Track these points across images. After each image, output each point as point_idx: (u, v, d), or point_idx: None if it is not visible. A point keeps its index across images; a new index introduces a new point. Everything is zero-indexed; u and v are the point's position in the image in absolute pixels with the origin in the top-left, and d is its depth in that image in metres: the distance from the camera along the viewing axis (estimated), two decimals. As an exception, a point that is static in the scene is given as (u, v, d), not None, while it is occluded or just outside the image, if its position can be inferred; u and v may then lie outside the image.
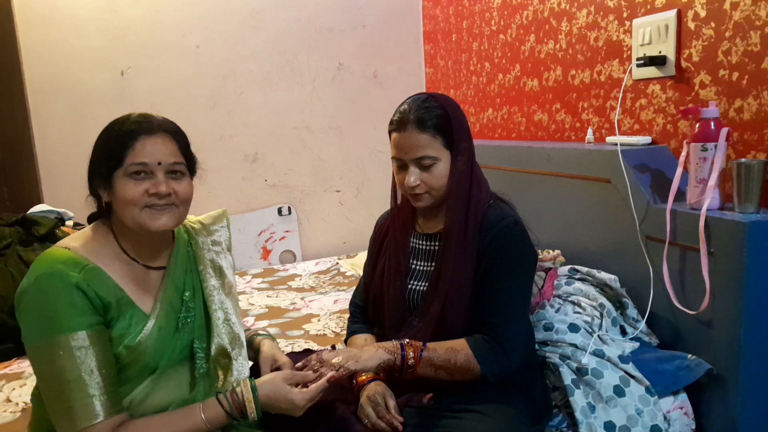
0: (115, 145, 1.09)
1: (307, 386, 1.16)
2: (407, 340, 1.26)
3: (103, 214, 1.17)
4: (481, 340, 1.28)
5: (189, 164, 1.18)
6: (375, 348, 1.25)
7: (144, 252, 1.17)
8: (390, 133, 1.35)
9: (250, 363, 1.28)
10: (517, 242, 1.32)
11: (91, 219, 1.19)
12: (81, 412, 1.00)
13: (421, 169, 1.30)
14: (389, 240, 1.47)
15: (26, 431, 1.23)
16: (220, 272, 1.27)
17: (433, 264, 1.38)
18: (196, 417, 1.08)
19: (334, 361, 1.20)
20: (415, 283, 1.39)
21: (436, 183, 1.31)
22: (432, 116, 1.30)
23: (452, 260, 1.32)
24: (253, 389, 1.12)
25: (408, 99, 1.36)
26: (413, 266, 1.41)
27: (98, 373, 1.02)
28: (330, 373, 1.18)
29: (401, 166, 1.34)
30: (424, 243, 1.42)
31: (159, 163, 1.10)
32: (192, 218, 1.33)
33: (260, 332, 1.40)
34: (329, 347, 1.68)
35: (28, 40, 2.74)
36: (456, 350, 1.26)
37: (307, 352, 1.58)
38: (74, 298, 1.02)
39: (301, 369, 1.22)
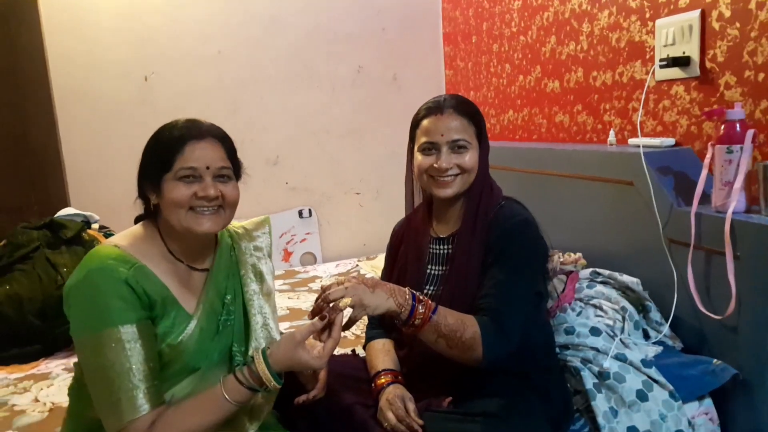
0: (164, 150, 1.12)
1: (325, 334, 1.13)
2: (421, 296, 1.21)
3: (150, 216, 1.20)
4: (489, 322, 1.21)
5: (235, 168, 1.20)
6: (386, 294, 1.18)
7: (189, 253, 1.20)
8: (419, 122, 1.37)
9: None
10: (525, 238, 1.31)
11: (137, 220, 1.22)
12: (128, 404, 1.02)
13: (454, 152, 1.33)
14: (406, 247, 1.48)
15: (60, 427, 1.25)
16: (260, 277, 1.30)
17: (447, 268, 1.37)
18: (220, 397, 1.09)
19: (341, 303, 1.13)
20: (431, 288, 1.39)
21: (468, 166, 1.33)
22: (468, 104, 1.37)
23: (465, 262, 1.32)
24: (266, 359, 1.11)
25: (435, 96, 1.39)
26: (429, 271, 1.41)
27: (146, 365, 1.04)
28: (338, 317, 1.12)
29: (430, 150, 1.34)
30: (439, 247, 1.42)
31: (207, 168, 1.13)
32: (236, 223, 1.35)
33: None
34: (350, 350, 1.69)
35: (54, 49, 2.80)
36: (466, 324, 1.19)
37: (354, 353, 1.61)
38: (124, 292, 1.05)
39: (313, 316, 1.17)
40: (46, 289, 2.08)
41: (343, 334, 1.15)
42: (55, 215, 2.39)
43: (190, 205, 1.11)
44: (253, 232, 1.35)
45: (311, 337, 1.13)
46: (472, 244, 1.32)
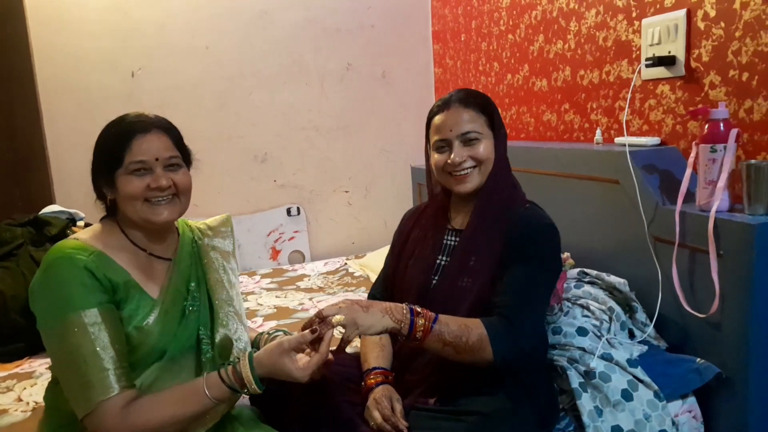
0: (113, 146, 1.15)
1: (314, 348, 1.14)
2: (419, 309, 1.20)
3: (111, 214, 1.22)
4: (496, 321, 1.22)
5: (184, 156, 1.24)
6: (381, 312, 1.16)
7: (150, 242, 1.22)
8: (430, 120, 1.39)
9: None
10: (551, 243, 1.33)
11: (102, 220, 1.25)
12: (97, 385, 1.03)
13: (467, 145, 1.33)
14: (417, 233, 1.47)
15: (37, 428, 1.25)
16: (225, 270, 1.33)
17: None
18: (200, 392, 1.10)
19: (334, 320, 1.13)
20: (437, 278, 1.39)
21: (482, 156, 1.33)
22: (476, 95, 1.36)
23: (470, 252, 1.32)
24: (251, 363, 1.12)
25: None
26: (439, 261, 1.41)
27: (111, 348, 1.06)
28: (328, 333, 1.12)
29: (443, 147, 1.35)
30: (451, 238, 1.41)
31: (156, 159, 1.16)
32: (198, 222, 1.38)
33: (275, 331, 1.42)
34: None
35: (40, 42, 2.77)
36: (470, 328, 1.19)
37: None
38: (84, 278, 1.07)
39: (305, 329, 1.16)
40: (29, 286, 2.06)
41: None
42: (40, 212, 2.37)
43: (144, 197, 1.15)
44: (216, 229, 1.38)
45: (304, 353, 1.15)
46: (482, 237, 1.32)
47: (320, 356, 1.12)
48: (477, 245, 1.32)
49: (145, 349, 1.15)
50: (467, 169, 1.33)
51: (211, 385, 1.10)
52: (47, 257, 1.10)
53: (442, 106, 1.36)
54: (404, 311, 1.18)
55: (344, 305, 1.17)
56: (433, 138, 1.37)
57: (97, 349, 1.04)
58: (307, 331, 1.14)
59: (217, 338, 1.24)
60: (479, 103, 1.35)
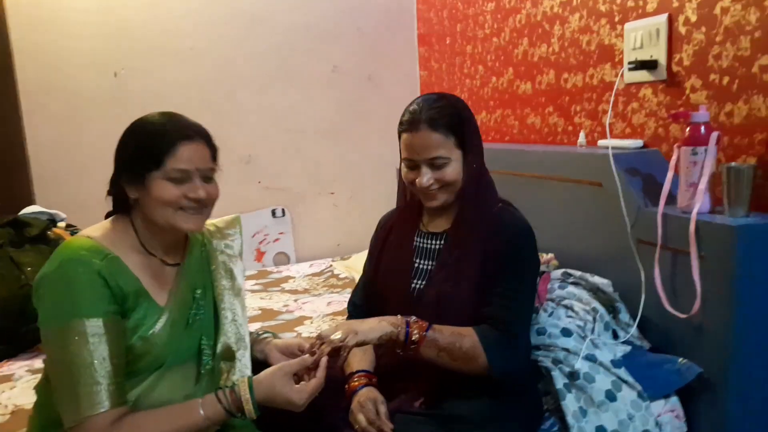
0: (153, 146, 1.12)
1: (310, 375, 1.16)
2: (414, 318, 1.24)
3: (121, 210, 1.19)
4: (488, 330, 1.25)
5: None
6: (377, 320, 1.22)
7: (162, 248, 1.20)
8: (400, 134, 1.35)
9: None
10: (530, 248, 1.34)
11: (109, 215, 1.21)
12: (87, 399, 1.00)
13: (434, 169, 1.30)
14: (393, 238, 1.47)
15: (24, 429, 1.22)
16: (231, 275, 1.31)
17: (436, 263, 1.37)
18: (196, 413, 1.09)
19: (333, 337, 1.17)
20: (419, 282, 1.39)
21: (450, 179, 1.31)
22: (444, 115, 1.30)
23: (456, 260, 1.32)
24: (251, 388, 1.12)
25: (418, 99, 1.35)
26: (417, 265, 1.41)
27: (109, 362, 1.03)
28: (326, 350, 1.16)
29: (412, 166, 1.33)
30: (429, 242, 1.41)
31: (197, 169, 1.15)
32: (207, 221, 1.34)
33: (263, 332, 1.42)
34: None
35: (20, 40, 2.72)
36: (462, 335, 1.23)
37: None
38: (95, 284, 1.04)
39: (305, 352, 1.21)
40: (9, 288, 2.02)
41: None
42: (20, 213, 2.33)
43: (178, 205, 1.13)
44: (224, 230, 1.36)
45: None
46: (467, 243, 1.32)
47: (318, 381, 1.14)
48: (463, 249, 1.33)
49: (148, 358, 1.12)
50: (435, 189, 1.32)
51: (208, 404, 1.09)
52: (60, 253, 1.07)
53: (410, 125, 1.31)
54: (398, 319, 1.23)
55: (341, 323, 1.25)
56: (403, 153, 1.35)
57: (94, 361, 1.01)
58: (307, 354, 1.16)
59: (219, 348, 1.22)
60: (448, 123, 1.30)
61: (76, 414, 1.00)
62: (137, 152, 1.13)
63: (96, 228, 1.15)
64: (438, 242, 1.40)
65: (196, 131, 1.16)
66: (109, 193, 1.19)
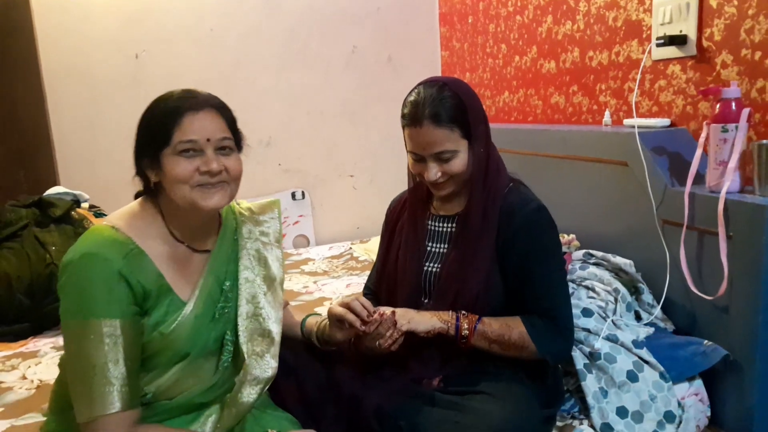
0: (160, 124, 1.05)
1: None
2: (463, 312, 1.26)
3: (149, 193, 1.13)
4: (537, 320, 1.27)
5: (236, 140, 1.14)
6: (431, 314, 1.26)
7: (191, 234, 1.14)
8: (403, 127, 1.31)
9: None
10: (546, 227, 1.31)
11: (137, 196, 1.16)
12: (99, 399, 0.98)
13: (441, 162, 1.27)
14: (404, 222, 1.45)
15: (47, 404, 1.23)
16: (265, 264, 1.22)
17: (450, 246, 1.36)
18: None
19: (389, 314, 1.23)
20: (431, 265, 1.37)
21: (457, 171, 1.28)
22: (447, 108, 1.24)
23: (470, 243, 1.30)
24: None
25: (418, 87, 1.29)
26: (429, 248, 1.39)
27: (123, 364, 0.99)
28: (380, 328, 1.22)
29: (418, 159, 1.30)
30: (441, 225, 1.40)
31: (208, 140, 1.06)
32: (243, 203, 1.29)
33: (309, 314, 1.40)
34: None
35: (43, 25, 2.75)
36: (510, 327, 1.26)
37: None
38: (114, 284, 1.00)
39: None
40: (34, 267, 2.06)
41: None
42: (44, 194, 2.37)
43: (194, 181, 1.05)
44: (259, 216, 1.27)
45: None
46: (484, 230, 1.30)
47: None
48: (476, 232, 1.31)
49: (167, 354, 1.08)
50: (442, 181, 1.30)
51: None
52: (83, 243, 1.03)
53: (412, 119, 1.26)
54: (450, 314, 1.27)
55: (400, 310, 1.26)
56: (407, 145, 1.32)
57: (108, 362, 0.98)
58: (359, 322, 1.22)
59: (243, 348, 1.16)
60: (451, 116, 1.24)
61: (90, 412, 0.99)
62: (148, 132, 1.08)
63: (122, 214, 1.10)
64: (450, 225, 1.38)
65: (205, 100, 1.09)
66: (136, 174, 1.13)
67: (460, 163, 1.27)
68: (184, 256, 1.13)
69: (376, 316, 1.22)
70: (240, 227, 1.24)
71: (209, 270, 1.15)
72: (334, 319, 1.25)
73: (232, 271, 1.19)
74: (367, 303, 1.23)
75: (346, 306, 1.23)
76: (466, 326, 1.24)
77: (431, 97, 1.25)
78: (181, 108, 1.05)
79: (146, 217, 1.10)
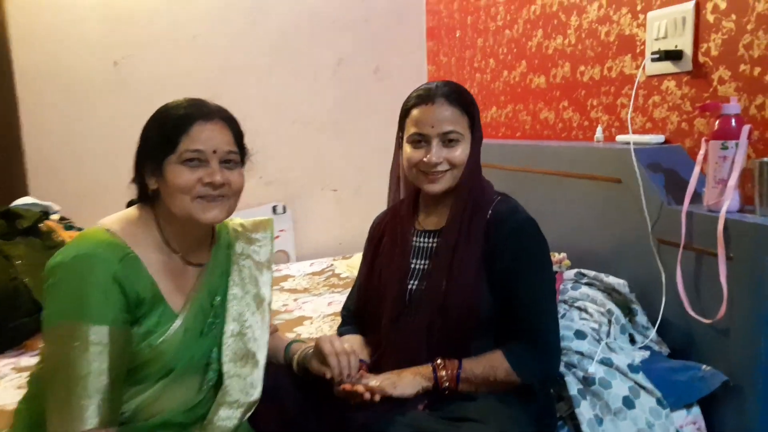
0: (168, 129, 1.05)
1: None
2: (440, 361, 1.21)
3: (145, 200, 1.11)
4: (518, 348, 1.22)
5: (241, 154, 1.15)
6: (413, 375, 1.21)
7: (185, 245, 1.12)
8: (408, 110, 1.29)
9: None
10: (533, 239, 1.27)
11: (129, 204, 1.14)
12: (76, 413, 0.93)
13: (445, 146, 1.25)
14: (388, 239, 1.40)
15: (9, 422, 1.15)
16: (255, 283, 1.21)
17: (431, 262, 1.31)
18: None
19: (373, 383, 1.17)
20: (415, 282, 1.32)
21: (458, 161, 1.26)
22: (460, 93, 1.28)
23: (452, 256, 1.25)
24: None
25: (426, 83, 1.32)
26: (413, 265, 1.34)
27: (106, 375, 0.95)
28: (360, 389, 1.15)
29: (420, 142, 1.27)
30: (424, 240, 1.34)
31: (214, 152, 1.06)
32: (235, 219, 1.26)
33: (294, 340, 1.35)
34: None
35: (18, 25, 2.64)
36: (495, 367, 1.21)
37: None
38: (109, 289, 0.97)
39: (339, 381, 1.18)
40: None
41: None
42: (12, 204, 2.25)
43: (195, 192, 1.05)
44: (251, 234, 1.26)
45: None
46: (459, 239, 1.26)
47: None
48: (460, 244, 1.26)
49: (155, 366, 1.05)
50: (441, 171, 1.26)
51: None
52: (77, 244, 1.00)
53: (424, 98, 1.26)
54: (429, 369, 1.21)
55: (380, 378, 1.21)
56: (410, 130, 1.28)
57: (90, 373, 0.94)
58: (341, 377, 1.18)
59: (224, 368, 1.14)
60: (465, 102, 1.27)
61: (62, 426, 0.93)
62: (154, 137, 1.06)
63: (116, 219, 1.07)
64: (432, 240, 1.33)
65: (216, 111, 1.09)
66: (133, 180, 1.11)
67: (462, 153, 1.26)
68: (178, 267, 1.11)
69: (358, 387, 1.16)
70: (233, 243, 1.22)
71: (204, 284, 1.14)
72: (320, 351, 1.20)
73: (223, 286, 1.18)
74: (355, 364, 1.20)
75: (336, 353, 1.19)
76: (445, 377, 1.20)
77: (444, 84, 1.29)
78: (191, 116, 1.06)
79: (141, 224, 1.08)
